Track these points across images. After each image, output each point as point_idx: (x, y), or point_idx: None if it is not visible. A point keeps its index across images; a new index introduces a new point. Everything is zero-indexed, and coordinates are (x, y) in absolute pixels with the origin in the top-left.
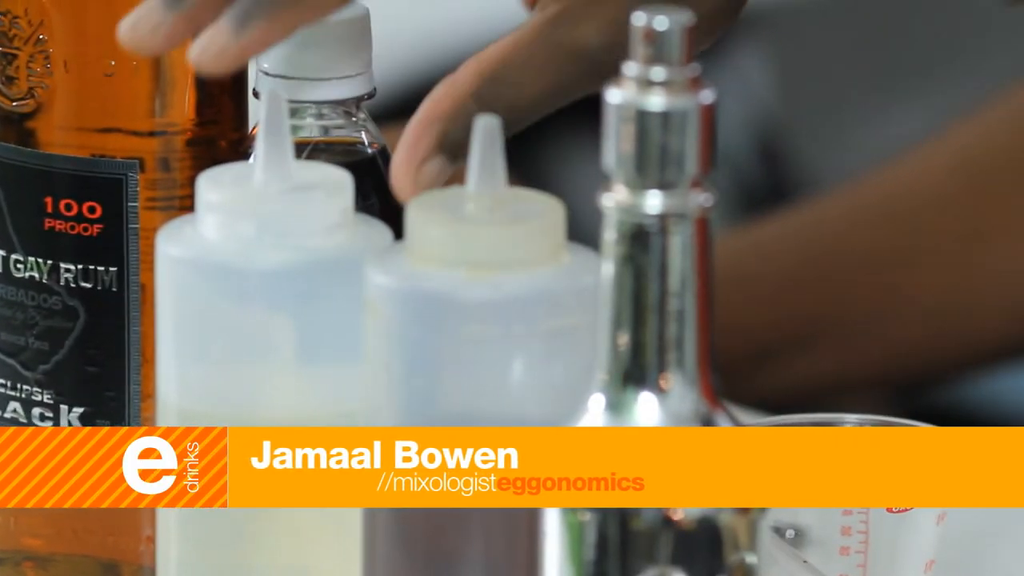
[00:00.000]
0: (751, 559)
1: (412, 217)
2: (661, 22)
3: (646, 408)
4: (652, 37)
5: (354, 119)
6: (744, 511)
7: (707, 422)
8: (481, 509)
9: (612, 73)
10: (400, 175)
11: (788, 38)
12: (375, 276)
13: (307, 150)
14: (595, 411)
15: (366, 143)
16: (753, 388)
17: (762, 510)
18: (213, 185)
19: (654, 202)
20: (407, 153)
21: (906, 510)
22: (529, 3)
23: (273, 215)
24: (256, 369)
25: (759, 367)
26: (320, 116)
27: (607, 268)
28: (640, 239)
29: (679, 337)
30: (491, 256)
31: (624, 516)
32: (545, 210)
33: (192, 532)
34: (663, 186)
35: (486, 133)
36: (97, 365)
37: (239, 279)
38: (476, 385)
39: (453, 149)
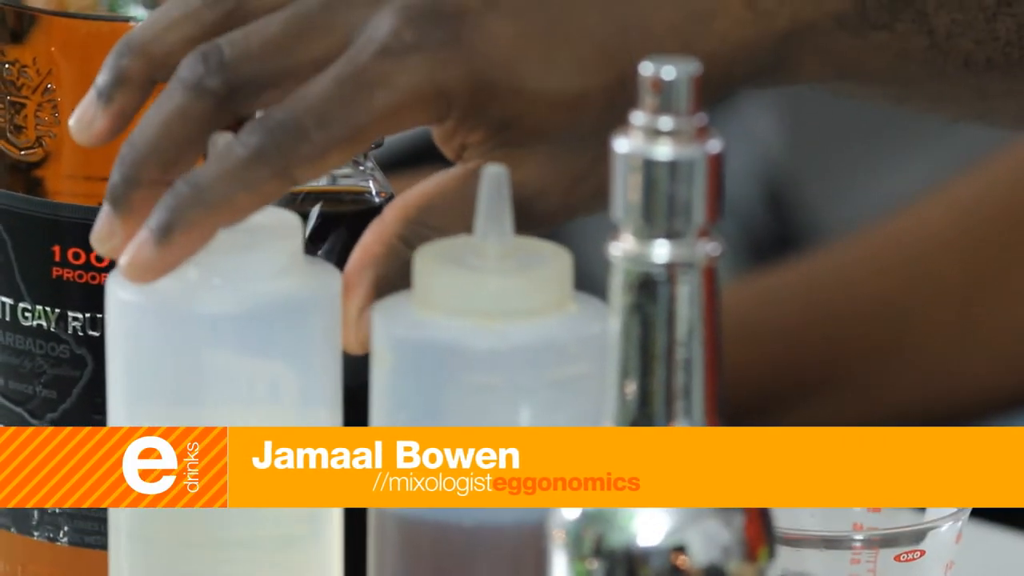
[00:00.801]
0: None
1: (419, 266)
2: (668, 72)
3: None
4: (659, 87)
5: (362, 168)
6: (752, 560)
7: None
8: (489, 553)
9: (543, 216)
10: (343, 326)
11: (795, 88)
12: (381, 324)
13: (316, 205)
14: None
15: (374, 192)
16: None
17: (770, 559)
18: None
19: (661, 251)
20: (345, 303)
21: (914, 560)
22: (444, 144)
23: (219, 259)
24: (202, 411)
25: (763, 416)
26: None
27: (615, 317)
28: (647, 288)
29: (687, 386)
30: (498, 305)
31: (631, 564)
32: (552, 259)
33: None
34: (670, 235)
35: (493, 181)
36: (104, 413)
37: (183, 322)
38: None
39: (390, 291)
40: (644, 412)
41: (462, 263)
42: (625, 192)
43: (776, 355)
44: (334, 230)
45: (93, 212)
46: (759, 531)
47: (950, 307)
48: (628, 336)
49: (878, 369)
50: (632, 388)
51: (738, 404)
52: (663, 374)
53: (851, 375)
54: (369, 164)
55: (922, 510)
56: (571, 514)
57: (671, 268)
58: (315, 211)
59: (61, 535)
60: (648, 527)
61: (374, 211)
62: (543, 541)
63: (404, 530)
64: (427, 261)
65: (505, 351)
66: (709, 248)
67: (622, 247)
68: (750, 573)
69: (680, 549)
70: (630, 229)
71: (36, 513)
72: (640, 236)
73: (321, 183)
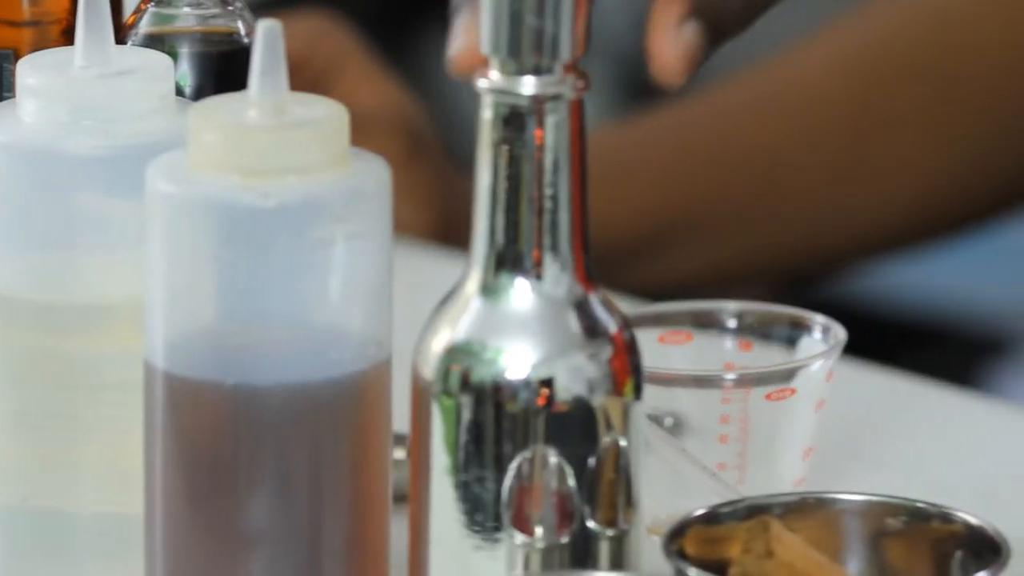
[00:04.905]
0: (624, 442)
1: (191, 121)
2: None
3: (520, 292)
4: None
5: (231, 8)
6: (618, 394)
7: (581, 305)
8: (276, 423)
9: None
10: (658, 46)
11: None
12: (152, 180)
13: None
14: (469, 294)
15: (243, 32)
16: (634, 276)
17: (636, 394)
18: (32, 69)
19: (528, 84)
20: (660, 19)
21: (784, 398)
22: None
23: (89, 99)
24: (72, 254)
25: (639, 256)
26: (196, 5)
27: (483, 152)
28: (514, 121)
29: (553, 221)
30: (268, 162)
31: (498, 398)
32: (328, 115)
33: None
34: (537, 69)
35: (267, 36)
36: None
37: (53, 164)
38: (254, 291)
39: (707, 13)
40: (511, 247)
41: (233, 119)
42: (493, 26)
43: (648, 196)
44: (204, 70)
45: None
46: (625, 366)
47: (825, 155)
48: (495, 170)
49: (749, 214)
50: (499, 222)
51: (608, 245)
52: (530, 208)
53: (722, 219)
54: (238, 4)
55: (793, 348)
56: (437, 347)
57: (537, 101)
58: (185, 52)
59: None
60: (515, 361)
61: (243, 51)
62: (306, 402)
63: (171, 388)
64: (199, 117)
65: (271, 209)
66: (576, 82)
67: (489, 81)
68: (616, 407)
69: (546, 383)
70: (497, 63)
71: None
72: (507, 70)
73: (190, 23)
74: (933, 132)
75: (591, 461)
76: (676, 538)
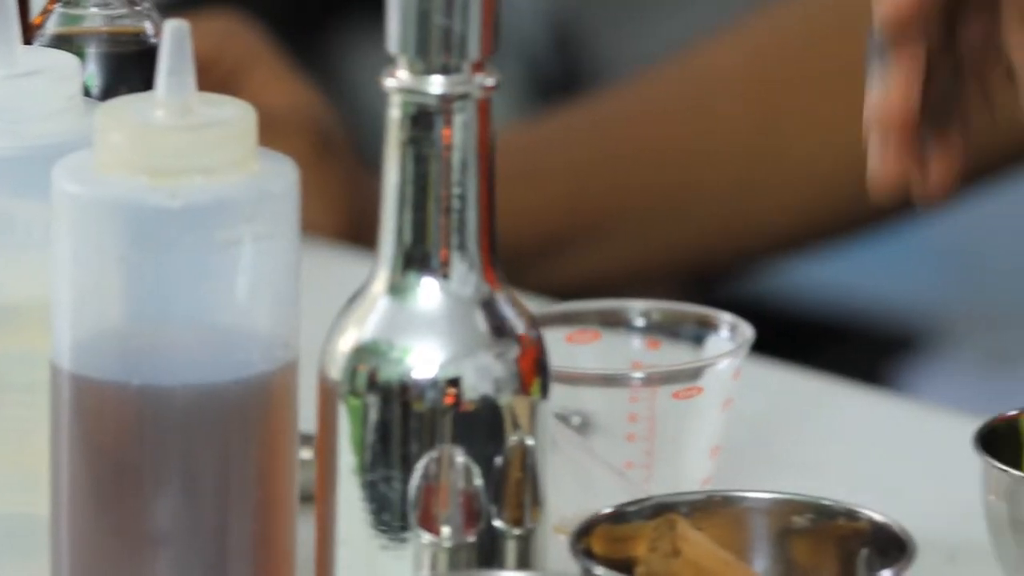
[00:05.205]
0: (530, 441)
1: (98, 122)
2: None
3: (428, 291)
4: None
5: (138, 8)
6: (524, 393)
7: (488, 304)
8: (182, 424)
9: None
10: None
11: None
12: (58, 180)
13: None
14: (377, 294)
15: (150, 33)
16: (543, 276)
17: (543, 393)
18: None
19: (436, 83)
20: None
21: (691, 397)
22: None
23: None
24: None
25: (548, 256)
26: (104, 6)
27: (391, 151)
28: (422, 120)
29: (461, 220)
30: (175, 162)
31: (405, 397)
32: (235, 116)
33: None
34: (445, 69)
35: (175, 36)
36: None
37: None
38: (161, 292)
39: None
40: (418, 246)
41: (141, 119)
42: (400, 26)
43: (560, 196)
44: (112, 71)
45: None
46: (532, 365)
47: (734, 149)
48: (403, 169)
49: (657, 213)
50: (407, 222)
51: (519, 246)
52: (437, 207)
53: (629, 218)
54: (146, 5)
55: (701, 347)
56: (345, 347)
57: (445, 100)
58: (92, 52)
59: None
60: (422, 361)
61: (151, 52)
62: (213, 403)
63: (77, 388)
64: (106, 117)
65: (178, 210)
66: (484, 81)
67: (397, 80)
68: (523, 406)
69: (453, 382)
70: (405, 62)
71: None
72: (415, 70)
73: (97, 24)
74: (841, 129)
75: (498, 460)
76: (583, 537)
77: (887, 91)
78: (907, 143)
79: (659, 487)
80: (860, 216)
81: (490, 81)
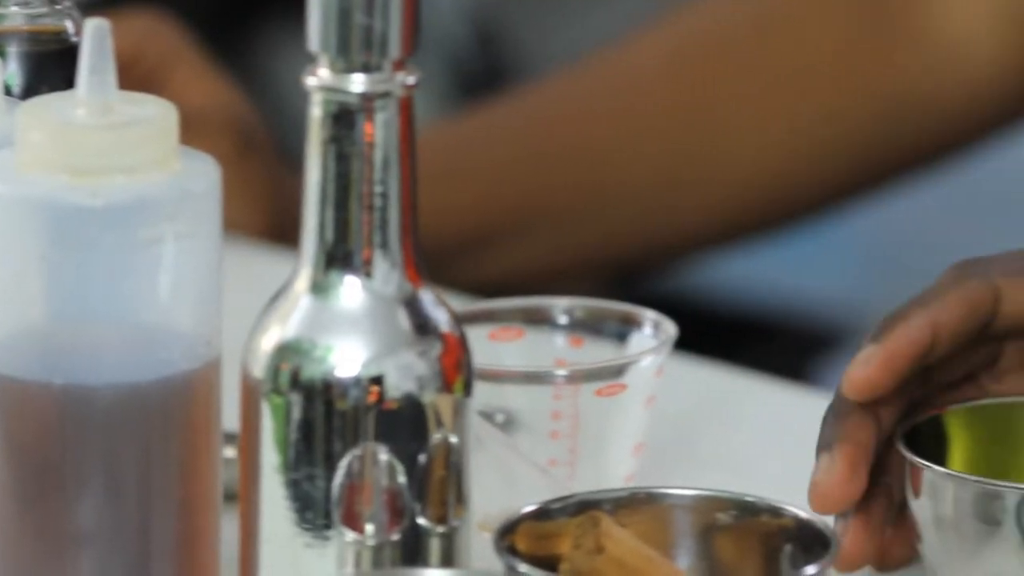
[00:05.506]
0: (454, 439)
1: (19, 120)
2: None
3: (350, 289)
4: None
5: (59, 7)
6: (447, 391)
7: (411, 303)
8: (105, 423)
9: None
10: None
11: None
12: None
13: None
14: (299, 292)
15: (71, 31)
16: (465, 274)
17: (465, 391)
18: None
19: (357, 82)
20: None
21: (615, 394)
22: None
23: None
24: None
25: (471, 253)
26: (24, 4)
27: (312, 150)
28: (343, 119)
29: (383, 218)
30: (96, 161)
31: (328, 396)
32: (157, 115)
33: None
34: (367, 67)
35: (96, 34)
36: None
37: None
38: (83, 291)
39: None
40: (340, 244)
41: (62, 118)
42: (321, 24)
43: (482, 194)
44: (33, 69)
45: None
46: (455, 362)
47: (656, 147)
48: (324, 168)
49: (579, 210)
50: (329, 220)
51: (441, 243)
52: (359, 206)
53: (552, 215)
54: (67, 3)
55: (624, 344)
56: (267, 346)
57: (367, 99)
58: (13, 51)
59: None
60: (344, 359)
61: (72, 50)
62: (135, 402)
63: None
64: (27, 116)
65: (99, 208)
66: (405, 79)
67: (318, 79)
68: (446, 404)
69: (376, 380)
70: (326, 61)
71: None
72: (336, 68)
73: (18, 22)
74: (761, 126)
75: (421, 458)
76: (506, 534)
77: (832, 466)
78: (859, 523)
79: (583, 484)
80: (781, 214)
81: (411, 79)
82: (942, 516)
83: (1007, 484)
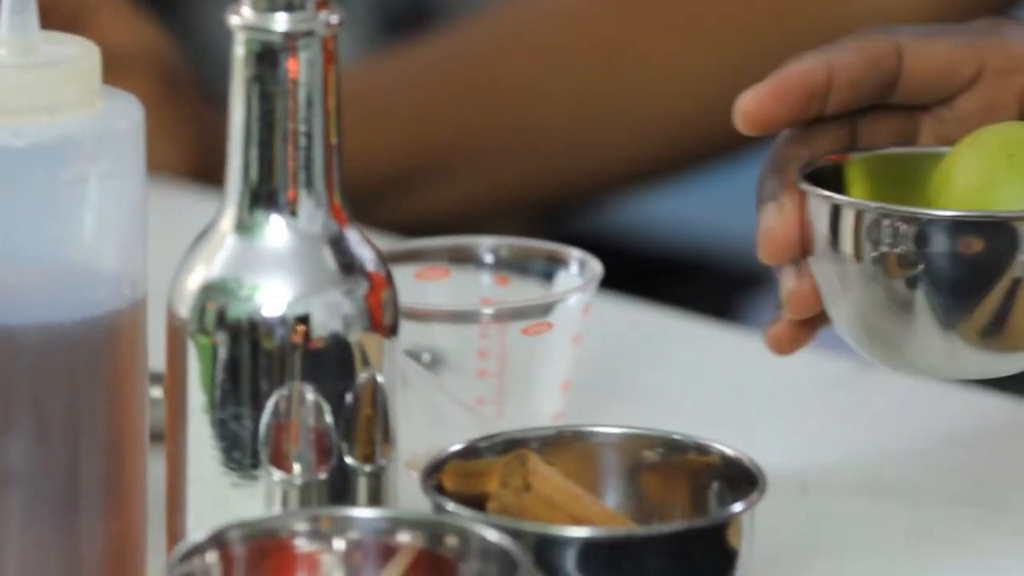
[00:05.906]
0: (380, 378)
1: None
2: None
3: (275, 228)
4: None
5: None
6: (374, 330)
7: (336, 242)
8: (31, 363)
9: None
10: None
11: None
12: None
13: None
14: (224, 232)
15: None
16: (390, 213)
17: (392, 330)
18: None
19: (281, 20)
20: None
21: (541, 333)
22: None
23: None
24: None
25: (396, 193)
26: None
27: (236, 89)
28: (267, 58)
29: (307, 157)
30: (17, 101)
31: (254, 335)
32: (79, 55)
33: None
34: (290, 6)
35: None
36: None
37: None
38: (6, 231)
39: None
40: (265, 184)
41: None
42: None
43: (406, 133)
44: None
45: None
46: (381, 301)
47: (579, 85)
48: (248, 108)
49: (503, 148)
50: (253, 159)
51: (366, 183)
52: (283, 145)
53: (476, 153)
54: None
55: (550, 283)
56: (193, 285)
57: (290, 37)
58: None
59: None
60: (270, 298)
61: None
62: (61, 342)
63: None
64: None
65: (22, 148)
66: (329, 18)
67: (241, 18)
68: (372, 343)
69: (302, 319)
70: (249, 0)
71: None
72: (259, 7)
73: None
74: (680, 63)
75: (348, 397)
76: (434, 473)
77: (780, 212)
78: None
79: (510, 423)
80: (704, 150)
81: (335, 18)
82: (836, 242)
83: (896, 207)
